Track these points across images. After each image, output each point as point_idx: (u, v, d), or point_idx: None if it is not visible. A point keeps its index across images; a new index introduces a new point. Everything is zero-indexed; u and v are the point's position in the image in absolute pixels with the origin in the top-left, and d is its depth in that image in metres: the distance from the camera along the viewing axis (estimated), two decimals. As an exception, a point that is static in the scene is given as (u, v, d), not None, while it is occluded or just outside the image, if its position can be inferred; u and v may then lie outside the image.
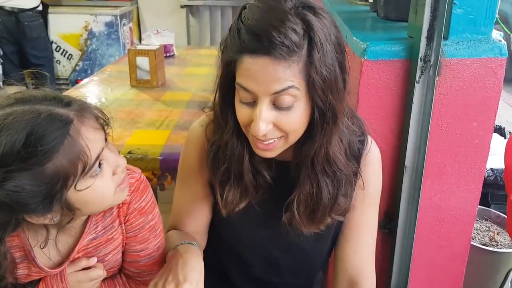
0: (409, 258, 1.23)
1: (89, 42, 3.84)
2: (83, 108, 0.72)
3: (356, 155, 0.89)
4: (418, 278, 1.28)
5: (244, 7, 0.75)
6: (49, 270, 0.83)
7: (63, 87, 3.96)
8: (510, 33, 1.27)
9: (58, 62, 3.90)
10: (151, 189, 0.92)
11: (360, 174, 0.89)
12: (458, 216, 1.23)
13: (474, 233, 1.61)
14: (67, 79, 3.95)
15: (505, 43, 1.10)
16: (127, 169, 0.86)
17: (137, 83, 2.13)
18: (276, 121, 0.74)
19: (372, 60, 1.10)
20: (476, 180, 1.20)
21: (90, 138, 0.69)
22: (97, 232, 0.86)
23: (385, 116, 1.15)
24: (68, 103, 0.71)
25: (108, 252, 0.88)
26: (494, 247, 1.54)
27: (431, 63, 1.08)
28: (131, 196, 0.86)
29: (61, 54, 3.88)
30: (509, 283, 1.57)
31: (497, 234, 1.60)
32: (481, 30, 1.09)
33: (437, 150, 1.16)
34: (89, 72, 3.89)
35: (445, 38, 1.08)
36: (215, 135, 0.87)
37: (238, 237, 0.98)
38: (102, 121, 0.75)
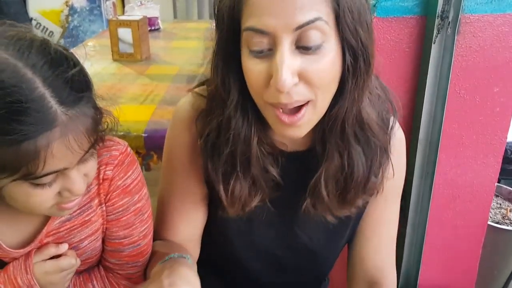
0: (421, 238, 1.13)
1: (70, 18, 3.63)
2: (84, 117, 0.58)
3: (386, 127, 0.74)
4: (431, 259, 1.19)
5: None
6: (8, 249, 0.71)
7: (44, 66, 3.79)
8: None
9: (38, 40, 3.71)
10: (138, 166, 0.80)
11: (389, 153, 0.74)
12: (475, 192, 1.13)
13: (484, 210, 1.51)
14: (48, 58, 3.77)
15: (533, -4, 0.97)
16: (110, 141, 0.76)
17: (120, 57, 1.98)
18: (302, 70, 0.58)
19: (383, 17, 0.97)
20: (495, 153, 1.10)
21: (55, 155, 0.56)
22: (70, 213, 0.73)
23: (397, 81, 1.02)
24: (77, 99, 0.57)
25: (84, 238, 0.76)
26: (508, 225, 1.45)
27: (450, 20, 0.96)
28: (114, 171, 0.74)
29: (42, 31, 3.66)
30: (524, 263, 1.49)
31: (510, 211, 1.51)
32: (505, -19, 0.97)
33: (453, 120, 1.05)
34: (71, 50, 3.71)
35: (465, -10, 0.96)
36: (213, 120, 0.71)
37: (236, 237, 0.84)
38: (92, 140, 0.61)
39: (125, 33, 1.96)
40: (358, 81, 0.62)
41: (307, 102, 0.61)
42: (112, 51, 1.98)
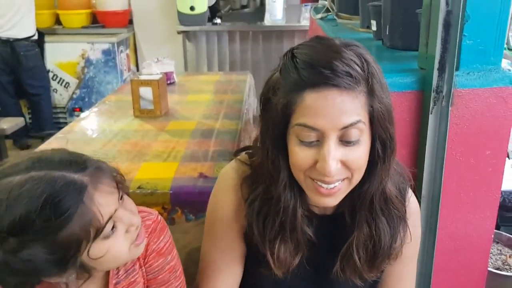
0: (428, 286, 1.23)
1: (86, 70, 3.83)
2: (98, 170, 0.73)
3: (403, 198, 0.86)
4: (437, 307, 1.27)
5: (293, 48, 0.74)
6: None
7: (60, 115, 3.94)
8: (518, 62, 1.31)
9: (55, 90, 3.88)
10: (168, 230, 0.92)
11: (407, 222, 0.86)
12: (474, 243, 1.23)
13: (486, 256, 1.60)
14: (64, 107, 3.93)
15: (515, 72, 1.12)
16: (143, 211, 0.88)
17: (141, 113, 2.11)
18: (343, 159, 0.71)
19: (385, 92, 1.11)
20: (490, 207, 1.21)
21: (102, 203, 0.70)
22: (119, 276, 0.85)
23: (400, 147, 1.14)
24: (83, 167, 0.71)
25: None
26: (507, 271, 1.54)
27: (444, 93, 1.09)
28: (148, 238, 0.86)
29: (58, 82, 3.86)
30: (524, 307, 1.56)
31: (509, 257, 1.60)
32: (491, 60, 1.11)
33: (452, 179, 1.17)
34: (86, 100, 3.87)
35: (456, 69, 1.10)
36: (258, 188, 0.82)
37: None
38: (117, 179, 0.75)
39: (145, 91, 2.10)
40: (385, 164, 0.75)
41: (344, 179, 0.74)
42: (133, 108, 2.11)
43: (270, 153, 0.77)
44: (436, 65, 1.08)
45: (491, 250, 1.66)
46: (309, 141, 0.71)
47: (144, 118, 2.08)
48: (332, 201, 0.76)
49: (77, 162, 0.72)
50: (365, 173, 0.76)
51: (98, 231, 0.70)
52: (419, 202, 1.16)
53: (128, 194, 0.81)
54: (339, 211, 0.85)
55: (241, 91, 2.58)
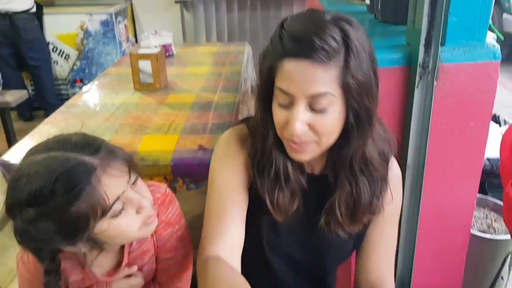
0: (412, 250, 1.31)
1: (85, 41, 3.84)
2: (110, 154, 0.79)
3: (386, 162, 0.93)
4: (422, 267, 1.36)
5: (285, 19, 0.81)
6: (100, 277, 0.92)
7: (62, 87, 3.98)
8: (502, 38, 1.34)
9: (56, 62, 3.91)
10: (177, 202, 1.00)
11: (388, 183, 0.93)
12: (458, 211, 1.31)
13: (473, 221, 1.68)
14: (65, 79, 3.97)
15: (499, 46, 1.16)
16: (152, 185, 0.95)
17: (141, 86, 2.16)
18: (310, 123, 0.78)
19: (374, 67, 1.15)
20: (473, 176, 1.28)
21: (108, 185, 0.76)
22: (132, 246, 0.94)
23: (387, 120, 1.18)
24: (97, 149, 0.78)
25: (144, 263, 0.97)
26: (492, 234, 1.62)
27: (429, 69, 1.14)
28: (158, 209, 0.94)
29: (58, 54, 3.88)
30: (507, 267, 1.66)
31: (495, 221, 1.69)
32: (475, 36, 1.15)
33: (436, 150, 1.23)
34: (86, 71, 3.91)
35: (442, 44, 1.14)
36: (256, 144, 0.90)
37: (265, 240, 0.99)
38: (131, 165, 0.82)
39: (144, 65, 2.14)
40: (360, 132, 0.82)
41: (312, 141, 0.81)
42: (133, 81, 2.16)
43: (260, 113, 0.86)
44: (422, 41, 1.12)
45: (478, 214, 1.74)
46: (285, 104, 0.79)
47: (144, 91, 2.13)
48: (304, 157, 0.84)
49: (91, 145, 0.78)
50: (342, 138, 0.83)
51: (105, 211, 0.77)
52: (405, 171, 1.23)
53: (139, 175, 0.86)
54: (324, 173, 0.94)
55: (239, 63, 2.61)
